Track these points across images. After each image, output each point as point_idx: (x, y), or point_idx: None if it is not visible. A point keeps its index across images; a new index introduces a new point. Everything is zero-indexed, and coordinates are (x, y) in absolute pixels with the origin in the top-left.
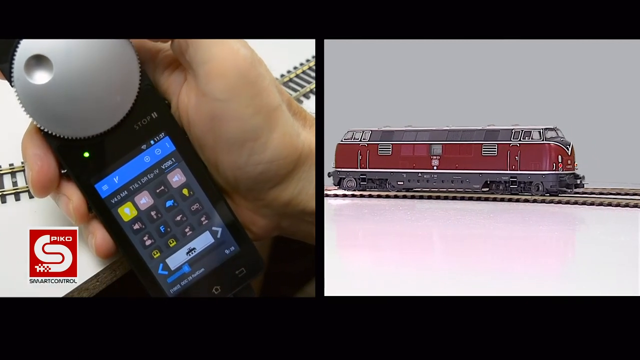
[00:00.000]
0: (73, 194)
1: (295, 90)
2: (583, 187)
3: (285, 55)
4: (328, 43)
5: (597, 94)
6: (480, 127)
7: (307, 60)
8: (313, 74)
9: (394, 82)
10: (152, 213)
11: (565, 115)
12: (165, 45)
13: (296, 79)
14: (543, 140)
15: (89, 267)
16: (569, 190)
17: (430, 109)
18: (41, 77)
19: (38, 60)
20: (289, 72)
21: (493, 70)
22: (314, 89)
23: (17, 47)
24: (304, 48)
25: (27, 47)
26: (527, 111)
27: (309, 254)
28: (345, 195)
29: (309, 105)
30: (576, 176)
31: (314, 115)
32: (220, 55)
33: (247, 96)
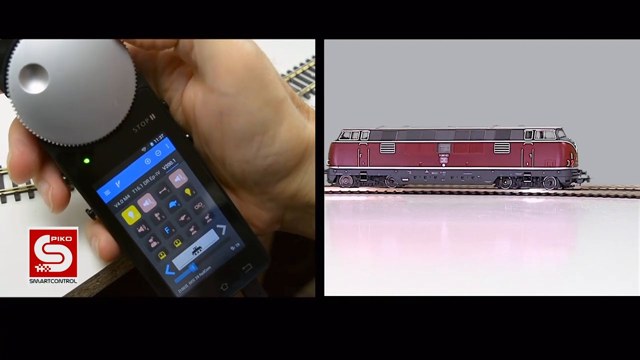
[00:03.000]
0: (54, 182)
1: (295, 90)
2: (589, 180)
3: (285, 55)
4: (328, 43)
5: (587, 94)
6: (489, 127)
7: (307, 60)
8: (313, 74)
9: (386, 83)
10: (156, 215)
11: (554, 114)
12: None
13: (296, 79)
14: (557, 139)
15: (89, 267)
16: (578, 184)
17: (422, 108)
18: (36, 87)
19: (33, 70)
20: (289, 72)
21: (485, 71)
22: (314, 89)
23: (10, 57)
24: (304, 48)
25: (21, 56)
26: (516, 110)
27: (311, 254)
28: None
29: (309, 105)
30: (581, 172)
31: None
32: (226, 51)
33: (255, 89)
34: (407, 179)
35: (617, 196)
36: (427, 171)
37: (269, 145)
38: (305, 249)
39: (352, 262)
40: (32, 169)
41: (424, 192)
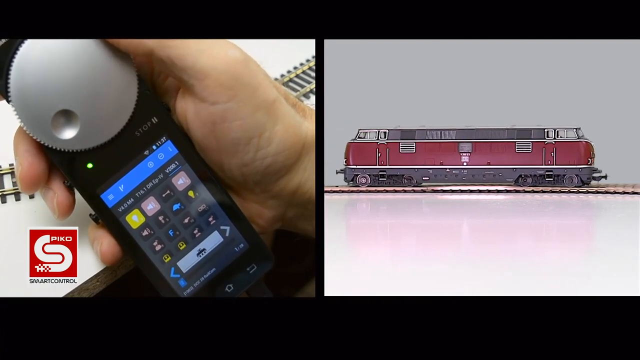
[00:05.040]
0: (59, 189)
1: (295, 90)
2: (606, 178)
3: (285, 55)
4: (328, 43)
5: (592, 93)
6: (510, 127)
7: (307, 60)
8: (313, 74)
9: (390, 83)
10: (160, 218)
11: (558, 114)
12: None
13: (296, 79)
14: (577, 138)
15: (89, 267)
16: (597, 181)
17: (426, 109)
18: (69, 133)
19: (66, 117)
20: (289, 72)
21: (491, 71)
22: (314, 89)
23: (11, 63)
24: (304, 48)
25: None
26: (518, 110)
27: (311, 254)
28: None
29: (306, 104)
30: (598, 170)
31: (313, 107)
32: (211, 64)
33: (245, 95)
34: (427, 178)
35: None
36: (448, 170)
37: (265, 147)
38: (306, 248)
39: (373, 262)
40: (42, 179)
41: (525, 191)
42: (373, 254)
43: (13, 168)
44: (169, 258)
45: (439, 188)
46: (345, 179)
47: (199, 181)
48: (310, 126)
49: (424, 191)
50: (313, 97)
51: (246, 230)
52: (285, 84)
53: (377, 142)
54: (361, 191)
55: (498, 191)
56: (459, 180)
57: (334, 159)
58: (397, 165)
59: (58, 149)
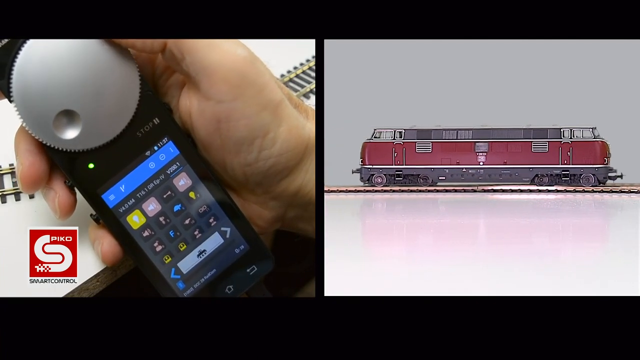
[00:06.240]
0: (61, 189)
1: (295, 90)
2: (622, 178)
3: (285, 55)
4: (329, 43)
5: (609, 94)
6: (526, 126)
7: (307, 60)
8: (313, 74)
9: (406, 82)
10: (161, 219)
11: (579, 114)
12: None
13: (296, 79)
14: (593, 138)
15: (89, 267)
16: (613, 181)
17: (430, 109)
18: (71, 133)
19: (68, 117)
20: (289, 72)
21: (505, 70)
22: (314, 89)
23: (13, 64)
24: (304, 48)
25: (54, 104)
26: (539, 110)
27: (312, 254)
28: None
29: (308, 104)
30: (614, 169)
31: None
32: (219, 60)
33: (251, 94)
34: (443, 177)
35: None
36: (464, 169)
37: (269, 147)
38: (306, 248)
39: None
40: (43, 179)
41: (586, 191)
42: (379, 255)
43: (13, 168)
44: (170, 259)
45: (489, 188)
46: (361, 179)
47: (200, 182)
48: (312, 127)
49: (474, 191)
50: (313, 97)
51: (247, 231)
52: (285, 84)
53: (394, 142)
54: (376, 190)
55: (548, 191)
56: (475, 180)
57: (348, 159)
58: (414, 165)
59: (59, 148)
